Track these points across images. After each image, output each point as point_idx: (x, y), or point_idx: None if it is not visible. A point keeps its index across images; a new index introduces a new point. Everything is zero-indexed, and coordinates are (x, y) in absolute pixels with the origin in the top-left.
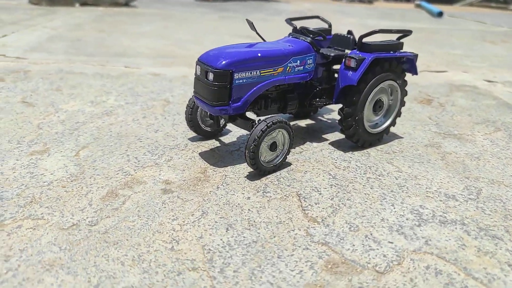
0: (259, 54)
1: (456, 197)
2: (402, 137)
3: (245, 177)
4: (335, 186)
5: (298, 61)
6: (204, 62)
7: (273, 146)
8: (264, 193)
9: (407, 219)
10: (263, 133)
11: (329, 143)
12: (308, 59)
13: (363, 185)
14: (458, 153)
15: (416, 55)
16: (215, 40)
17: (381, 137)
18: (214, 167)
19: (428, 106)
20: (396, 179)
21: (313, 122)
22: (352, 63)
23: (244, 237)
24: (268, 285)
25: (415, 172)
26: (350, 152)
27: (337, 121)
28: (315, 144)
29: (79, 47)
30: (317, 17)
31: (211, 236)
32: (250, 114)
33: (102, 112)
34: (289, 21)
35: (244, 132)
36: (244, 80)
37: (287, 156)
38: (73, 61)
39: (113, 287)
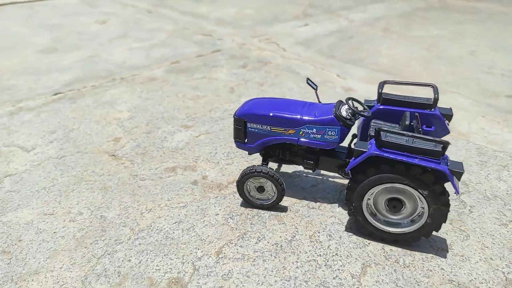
0: (271, 114)
1: None
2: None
3: None
4: None
5: (315, 130)
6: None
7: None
8: None
9: None
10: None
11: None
12: (329, 131)
13: None
14: None
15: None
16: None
17: (416, 239)
18: None
19: None
20: None
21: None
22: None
23: None
24: None
25: None
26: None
27: None
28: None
29: None
30: (429, 85)
31: None
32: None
33: None
34: (382, 84)
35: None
36: (255, 130)
37: None
38: None
39: None
